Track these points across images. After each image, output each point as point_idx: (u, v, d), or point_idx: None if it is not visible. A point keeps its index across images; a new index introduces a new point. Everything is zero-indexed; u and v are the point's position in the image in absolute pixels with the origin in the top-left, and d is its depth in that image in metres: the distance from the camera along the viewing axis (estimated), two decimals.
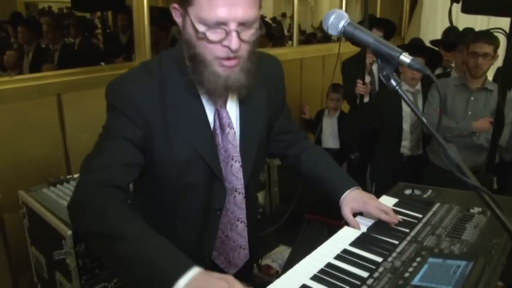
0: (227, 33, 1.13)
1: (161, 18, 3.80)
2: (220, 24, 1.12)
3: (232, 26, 1.12)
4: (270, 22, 6.46)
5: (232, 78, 1.20)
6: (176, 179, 1.32)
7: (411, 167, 3.43)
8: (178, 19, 1.22)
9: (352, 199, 1.47)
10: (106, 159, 1.21)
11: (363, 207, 1.45)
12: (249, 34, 1.17)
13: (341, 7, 5.44)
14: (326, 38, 5.53)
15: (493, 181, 2.78)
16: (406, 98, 1.00)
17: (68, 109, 2.78)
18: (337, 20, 1.03)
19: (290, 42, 4.73)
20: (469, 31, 3.75)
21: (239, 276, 1.34)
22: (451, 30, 4.01)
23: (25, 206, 2.38)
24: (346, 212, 1.46)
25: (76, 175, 2.58)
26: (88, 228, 1.15)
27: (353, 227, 1.44)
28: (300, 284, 1.15)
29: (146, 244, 1.06)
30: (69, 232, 2.01)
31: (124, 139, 1.22)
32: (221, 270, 1.46)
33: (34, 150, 2.66)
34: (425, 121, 0.97)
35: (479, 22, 4.87)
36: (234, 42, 1.13)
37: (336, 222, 1.60)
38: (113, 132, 1.24)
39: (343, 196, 1.49)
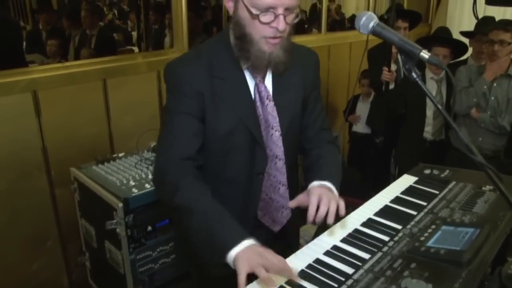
0: (276, 16, 1.33)
1: (196, 5, 3.86)
2: (270, 8, 1.32)
3: (280, 10, 1.32)
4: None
5: (274, 54, 1.42)
6: (222, 144, 1.52)
7: (434, 152, 3.51)
8: (228, 3, 1.42)
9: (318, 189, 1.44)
10: (173, 136, 1.44)
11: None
12: (292, 17, 1.38)
13: None
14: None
15: None
16: (425, 88, 1.16)
17: (112, 93, 2.96)
18: (368, 21, 1.20)
19: (315, 30, 4.70)
20: (487, 21, 3.75)
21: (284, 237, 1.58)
22: (486, 21, 3.92)
23: (77, 182, 2.57)
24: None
25: (121, 154, 2.80)
26: (166, 201, 1.42)
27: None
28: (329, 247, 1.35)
29: (210, 217, 1.30)
30: (120, 204, 2.20)
31: (184, 113, 1.45)
32: (267, 228, 1.67)
33: (82, 131, 2.84)
34: (440, 107, 1.13)
35: (509, 14, 4.83)
36: (281, 24, 1.34)
37: (360, 202, 1.71)
38: (174, 108, 1.47)
39: (314, 183, 1.50)
